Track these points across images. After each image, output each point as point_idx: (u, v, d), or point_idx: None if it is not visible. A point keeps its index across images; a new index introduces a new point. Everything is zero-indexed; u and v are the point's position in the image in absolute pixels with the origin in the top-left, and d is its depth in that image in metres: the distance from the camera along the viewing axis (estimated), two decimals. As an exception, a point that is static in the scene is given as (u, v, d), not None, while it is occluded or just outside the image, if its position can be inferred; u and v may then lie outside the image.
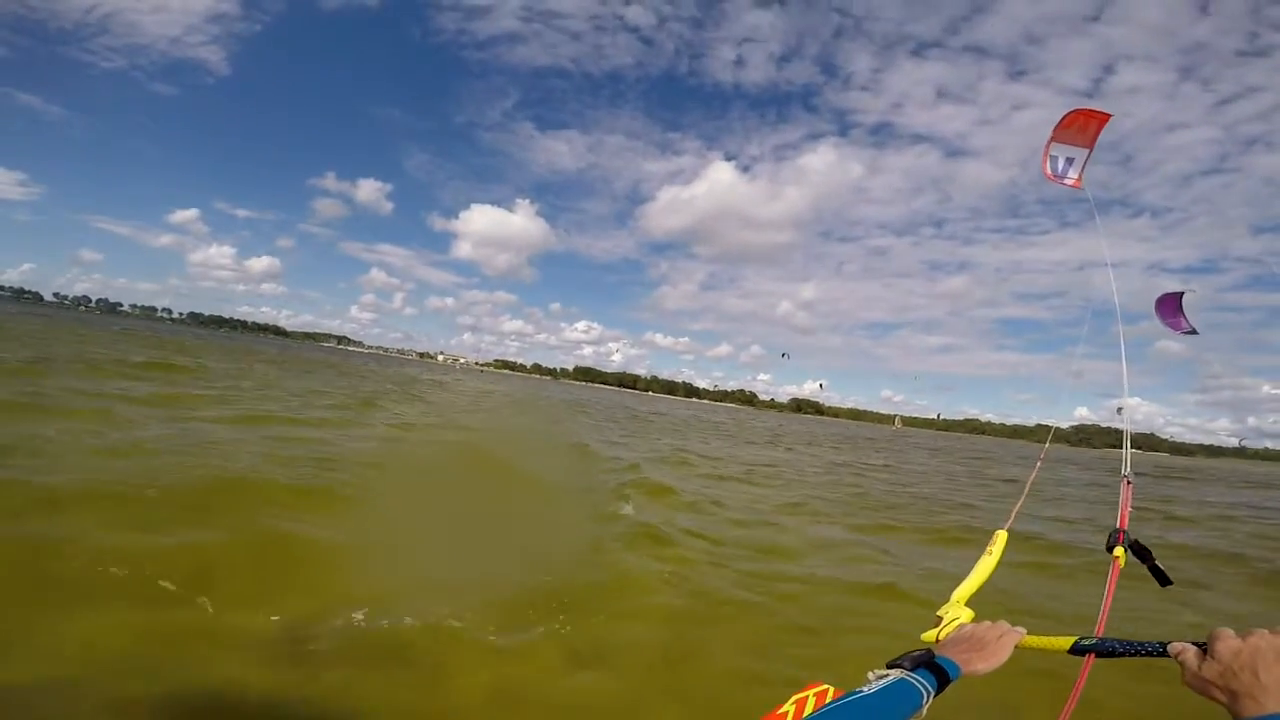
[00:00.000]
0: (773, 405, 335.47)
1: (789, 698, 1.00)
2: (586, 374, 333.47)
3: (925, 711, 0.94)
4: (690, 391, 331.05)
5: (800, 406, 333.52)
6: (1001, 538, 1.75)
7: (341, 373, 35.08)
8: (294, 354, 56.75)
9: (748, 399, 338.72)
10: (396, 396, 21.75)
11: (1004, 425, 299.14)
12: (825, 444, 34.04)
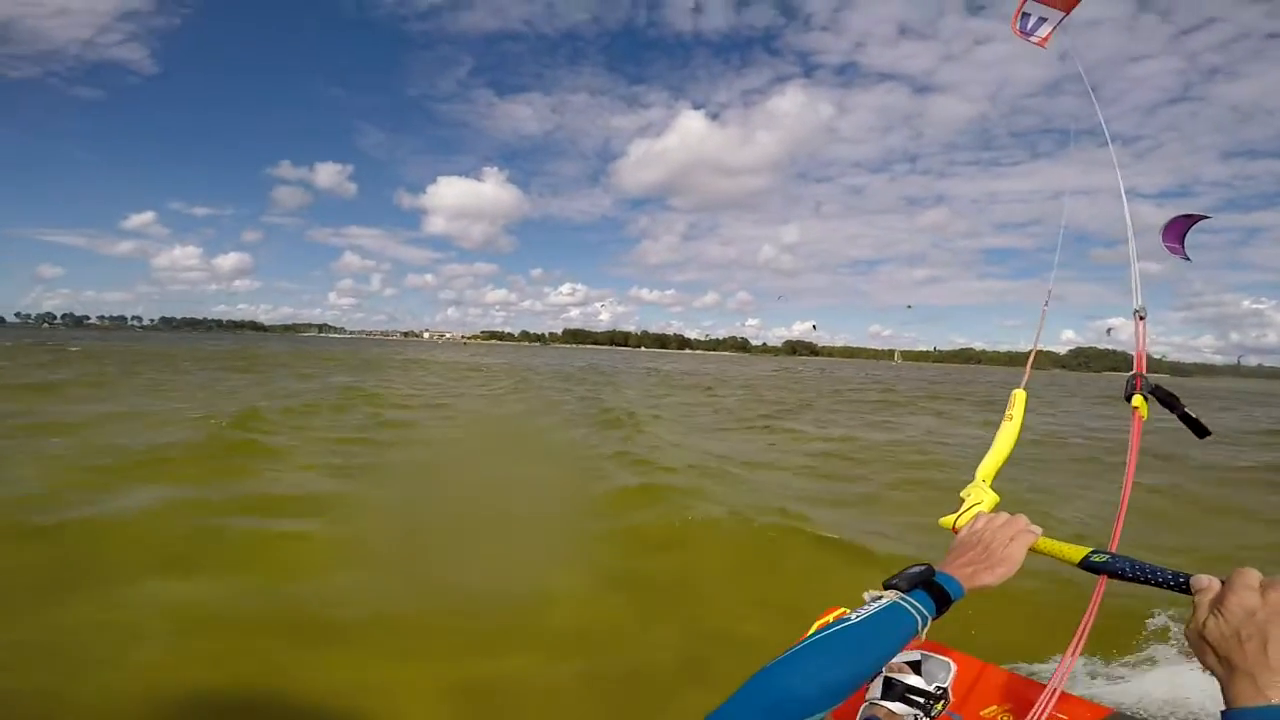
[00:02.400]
0: (766, 350, 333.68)
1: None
2: (576, 336, 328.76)
3: (924, 635, 0.87)
4: (683, 344, 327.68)
5: (794, 349, 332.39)
6: (1020, 397, 1.47)
7: (263, 365, 29.71)
8: (220, 348, 51.13)
9: (741, 345, 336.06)
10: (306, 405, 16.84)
11: (997, 353, 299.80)
12: (921, 404, 29.58)
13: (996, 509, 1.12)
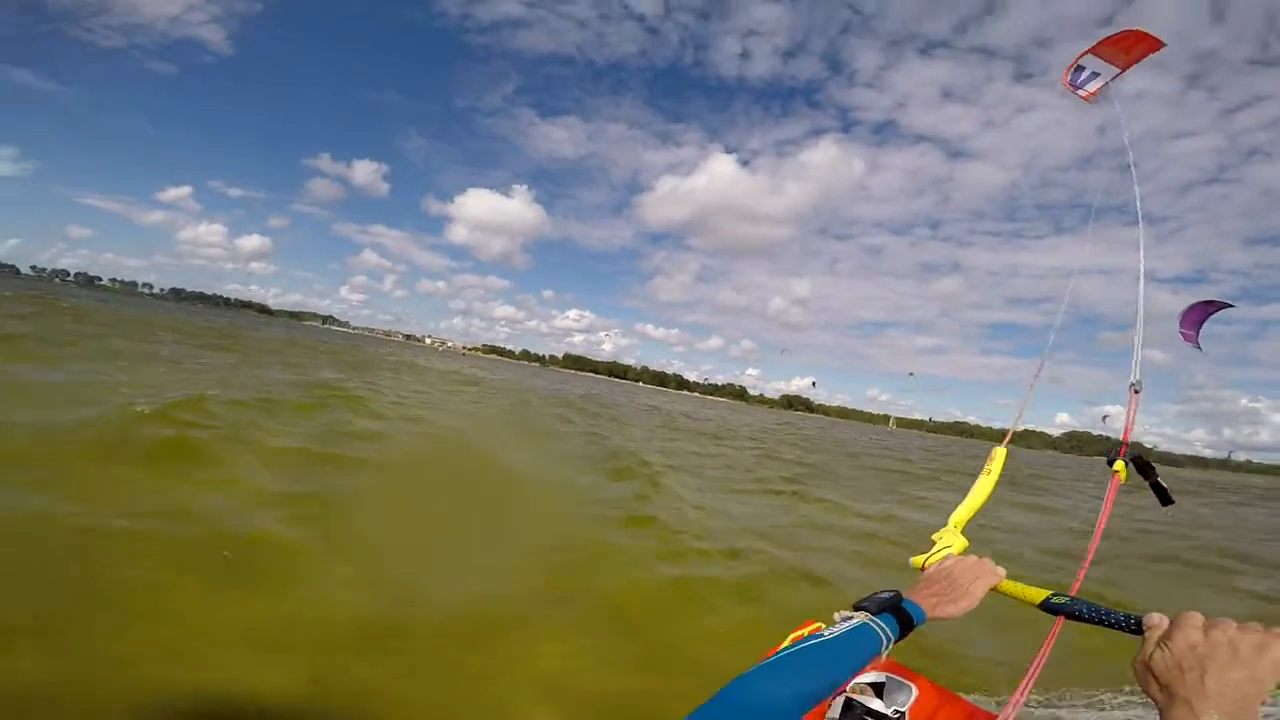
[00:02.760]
0: (763, 401, 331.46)
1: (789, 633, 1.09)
2: (577, 362, 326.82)
3: (885, 656, 0.94)
4: (681, 384, 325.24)
5: (791, 403, 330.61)
6: (1000, 454, 1.63)
7: (248, 348, 27.78)
8: (207, 324, 49.30)
9: (738, 394, 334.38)
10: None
11: (990, 429, 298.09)
12: (928, 479, 27.60)
13: (965, 553, 1.22)
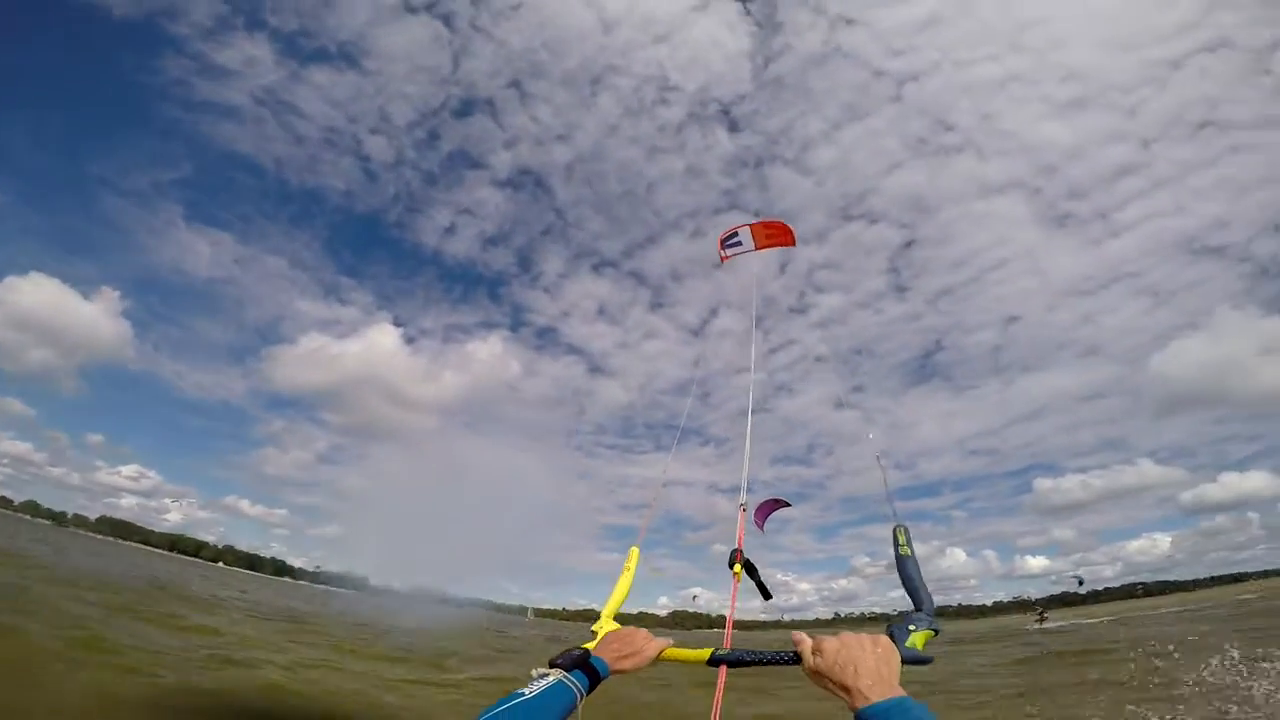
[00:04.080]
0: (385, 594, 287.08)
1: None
2: (118, 528, 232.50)
3: (580, 709, 1.19)
4: (280, 570, 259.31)
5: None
6: (634, 554, 2.08)
7: None
8: None
9: (359, 585, 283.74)
10: None
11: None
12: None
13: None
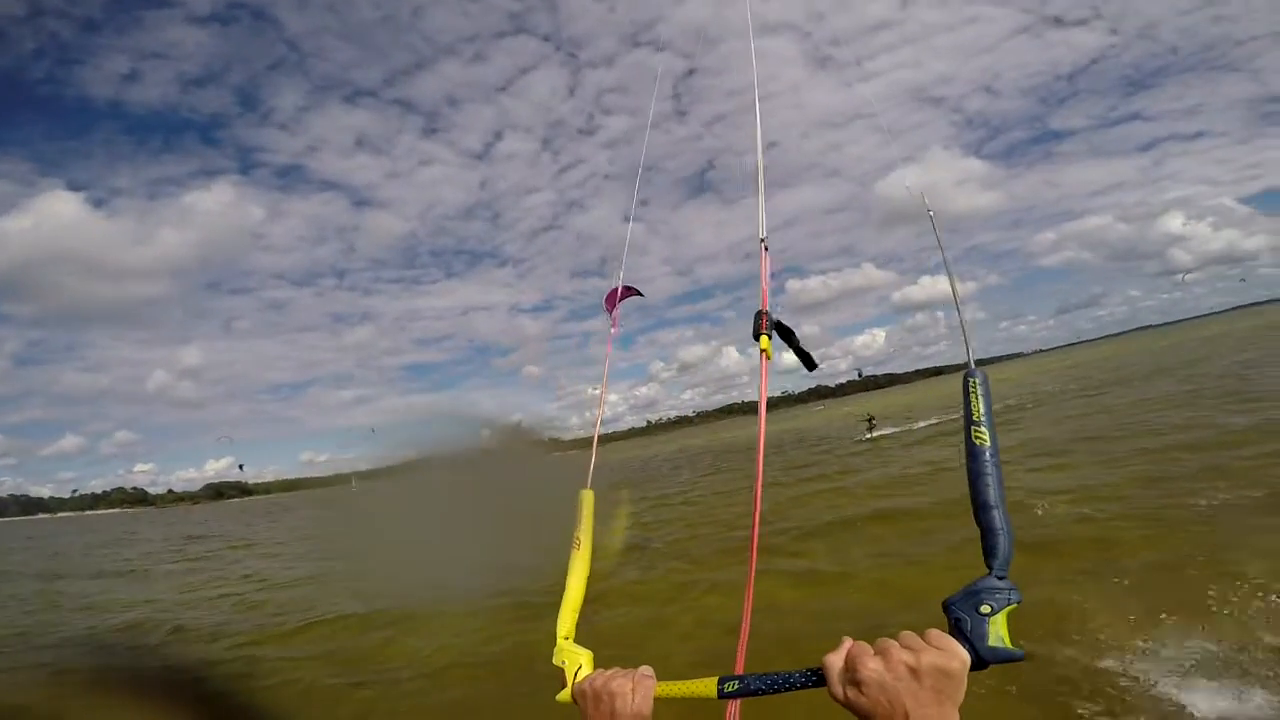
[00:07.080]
0: (179, 498, 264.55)
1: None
2: None
3: None
4: (29, 507, 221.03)
5: (221, 492, 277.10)
6: (588, 499, 1.38)
7: None
8: None
9: (138, 499, 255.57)
10: None
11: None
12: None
13: (595, 664, 1.12)
